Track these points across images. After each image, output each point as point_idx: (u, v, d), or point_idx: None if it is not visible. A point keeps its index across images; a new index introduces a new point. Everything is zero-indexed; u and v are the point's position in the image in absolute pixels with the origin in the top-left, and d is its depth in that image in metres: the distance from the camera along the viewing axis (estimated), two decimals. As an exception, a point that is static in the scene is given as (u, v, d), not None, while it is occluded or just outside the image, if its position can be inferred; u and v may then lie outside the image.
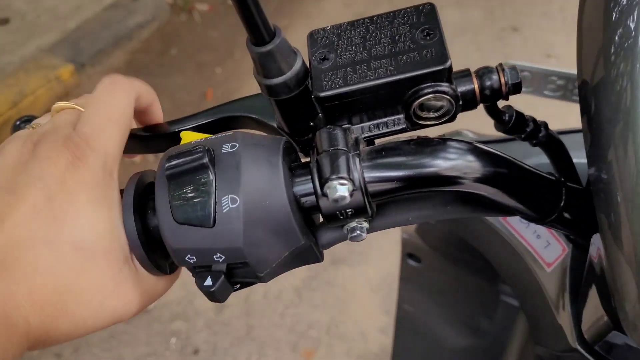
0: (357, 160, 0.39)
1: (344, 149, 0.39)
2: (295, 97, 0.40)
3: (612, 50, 0.39)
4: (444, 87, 0.39)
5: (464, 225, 0.70)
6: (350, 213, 0.40)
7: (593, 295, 0.48)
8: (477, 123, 0.63)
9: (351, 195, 0.38)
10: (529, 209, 0.44)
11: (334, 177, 0.38)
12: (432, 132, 0.43)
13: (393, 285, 2.02)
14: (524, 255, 0.59)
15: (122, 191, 0.42)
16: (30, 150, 0.40)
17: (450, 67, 0.39)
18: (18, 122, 0.49)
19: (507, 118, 0.46)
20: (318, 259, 0.44)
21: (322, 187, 0.38)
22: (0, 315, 0.35)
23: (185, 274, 0.45)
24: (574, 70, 0.73)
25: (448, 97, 0.40)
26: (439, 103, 0.40)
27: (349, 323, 1.97)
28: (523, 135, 0.47)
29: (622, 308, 0.38)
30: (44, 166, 0.39)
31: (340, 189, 0.38)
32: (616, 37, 0.39)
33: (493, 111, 0.45)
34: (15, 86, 2.57)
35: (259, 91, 0.43)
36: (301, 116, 0.42)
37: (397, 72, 0.39)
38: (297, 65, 0.40)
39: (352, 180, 0.38)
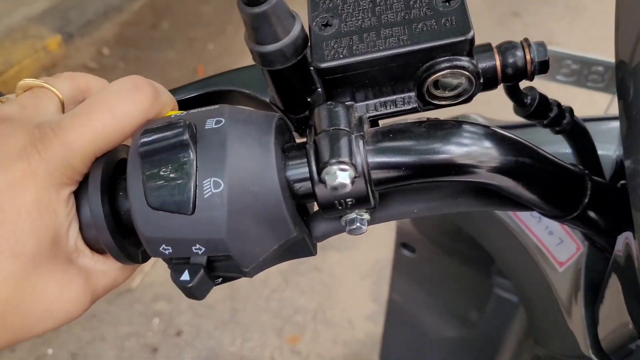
0: (361, 142, 0.34)
1: (346, 129, 0.34)
2: (291, 67, 0.35)
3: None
4: (464, 61, 0.34)
5: (466, 216, 0.66)
6: (350, 203, 0.34)
7: (614, 299, 0.43)
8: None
9: (352, 182, 0.33)
10: (551, 205, 0.39)
11: (333, 161, 0.32)
12: (439, 115, 0.38)
13: (382, 272, 1.98)
14: (533, 252, 0.55)
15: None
16: None
17: (473, 39, 0.33)
18: None
19: (529, 101, 0.41)
20: (311, 252, 0.39)
21: (319, 172, 0.33)
22: None
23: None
24: (590, 55, 0.68)
25: (468, 73, 0.34)
26: (457, 80, 0.35)
27: (336, 309, 1.93)
28: (545, 122, 0.42)
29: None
30: None
31: (341, 175, 0.32)
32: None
33: (514, 92, 0.40)
34: (0, 55, 2.49)
35: (252, 64, 0.37)
36: (297, 90, 0.37)
37: (411, 43, 0.34)
38: (296, 31, 0.34)
39: (354, 166, 0.33)
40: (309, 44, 0.36)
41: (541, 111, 0.41)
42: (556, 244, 0.53)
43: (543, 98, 0.41)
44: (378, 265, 2.00)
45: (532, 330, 0.69)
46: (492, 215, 0.59)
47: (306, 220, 0.39)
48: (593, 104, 1.33)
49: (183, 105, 0.42)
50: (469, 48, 0.34)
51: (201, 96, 0.43)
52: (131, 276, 0.41)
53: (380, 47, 0.34)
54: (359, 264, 2.02)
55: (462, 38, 0.33)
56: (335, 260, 2.05)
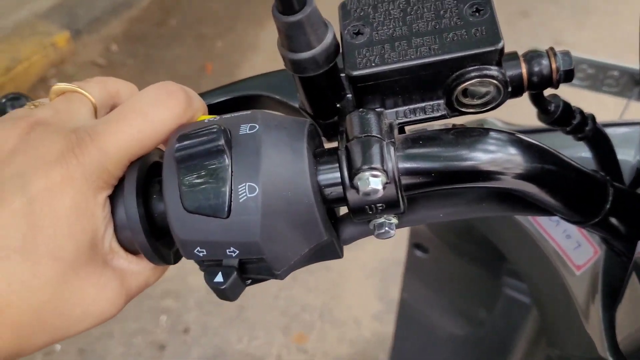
0: (392, 149, 0.34)
1: (378, 135, 0.34)
2: (322, 74, 0.36)
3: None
4: (493, 70, 0.35)
5: (484, 219, 0.66)
6: (380, 208, 0.35)
7: (634, 303, 0.44)
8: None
9: (384, 188, 0.34)
10: (573, 211, 0.40)
11: (366, 167, 0.33)
12: (459, 119, 0.39)
13: (388, 271, 1.99)
14: (551, 255, 0.55)
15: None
16: (24, 134, 0.35)
17: (502, 49, 0.34)
18: (3, 100, 0.44)
19: (553, 108, 0.42)
20: (338, 255, 0.39)
21: (351, 178, 0.34)
22: None
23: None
24: (606, 59, 0.69)
25: (496, 82, 0.35)
26: (485, 89, 0.36)
27: (343, 308, 1.94)
28: (568, 128, 0.42)
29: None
30: (32, 158, 0.34)
31: (373, 182, 0.33)
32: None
33: (539, 100, 0.41)
34: (8, 52, 2.50)
35: (271, 68, 0.38)
36: (327, 96, 0.38)
37: (442, 52, 0.34)
38: (328, 39, 0.35)
39: (385, 172, 0.33)
40: (341, 52, 0.36)
41: (565, 118, 0.42)
42: (574, 247, 0.54)
43: (567, 105, 0.42)
44: (384, 264, 2.01)
45: (546, 332, 0.69)
46: (510, 218, 0.59)
47: (334, 223, 0.40)
48: (599, 105, 1.33)
49: (212, 109, 0.42)
50: (498, 58, 0.34)
51: (230, 100, 0.43)
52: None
53: (412, 56, 0.35)
54: (365, 263, 2.03)
55: (492, 48, 0.34)
56: (342, 259, 2.05)
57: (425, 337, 1.04)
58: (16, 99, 0.45)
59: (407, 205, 0.39)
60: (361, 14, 0.37)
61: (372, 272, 2.01)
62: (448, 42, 0.35)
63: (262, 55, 2.77)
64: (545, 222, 0.56)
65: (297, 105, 0.41)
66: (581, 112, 0.43)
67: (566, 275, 0.54)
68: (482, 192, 0.41)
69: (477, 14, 0.35)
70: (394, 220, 0.37)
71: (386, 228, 0.37)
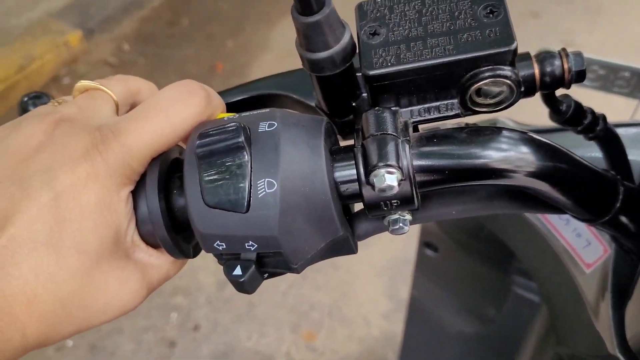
0: (407, 146, 0.35)
1: (393, 133, 0.35)
2: (339, 74, 0.37)
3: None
4: (507, 71, 0.36)
5: (495, 217, 0.67)
6: (395, 204, 0.36)
7: (643, 302, 0.44)
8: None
9: (399, 184, 0.35)
10: (583, 209, 0.41)
11: (382, 164, 0.34)
12: (469, 119, 0.40)
13: (397, 269, 2.00)
14: (561, 254, 0.56)
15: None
16: (49, 130, 0.36)
17: (516, 50, 0.35)
18: (25, 99, 0.45)
19: (564, 108, 0.42)
20: (353, 250, 0.40)
21: (367, 174, 0.35)
22: None
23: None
24: (617, 60, 0.69)
25: (510, 82, 0.36)
26: (498, 89, 0.37)
27: (352, 306, 1.95)
28: (579, 128, 0.43)
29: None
30: (58, 154, 0.35)
31: (388, 178, 0.34)
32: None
33: (551, 100, 0.42)
34: (21, 50, 2.52)
35: (281, 67, 0.39)
36: (343, 95, 0.39)
37: (457, 52, 0.35)
38: (345, 40, 0.36)
39: (400, 169, 0.34)
40: (357, 52, 0.37)
41: (576, 118, 0.42)
42: (583, 246, 0.55)
43: (578, 105, 0.42)
44: (393, 263, 2.02)
45: (555, 330, 0.70)
46: (520, 217, 0.60)
47: (349, 219, 0.40)
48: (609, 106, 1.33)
49: (230, 107, 0.43)
50: (511, 58, 0.35)
51: (248, 99, 0.44)
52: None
53: (427, 56, 0.36)
54: (375, 261, 2.04)
55: (506, 49, 0.34)
56: (351, 258, 2.05)
57: (434, 334, 1.05)
58: (38, 98, 0.46)
59: (421, 202, 0.40)
60: (377, 14, 0.38)
61: (382, 270, 2.02)
62: (462, 42, 0.35)
63: (272, 54, 2.78)
64: (555, 221, 0.56)
65: (313, 104, 0.42)
66: (592, 112, 0.43)
67: (576, 274, 0.55)
68: (493, 190, 0.42)
69: (491, 15, 0.36)
70: (408, 217, 0.38)
71: (400, 224, 0.38)
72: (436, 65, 0.36)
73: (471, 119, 0.42)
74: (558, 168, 0.38)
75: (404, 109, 0.38)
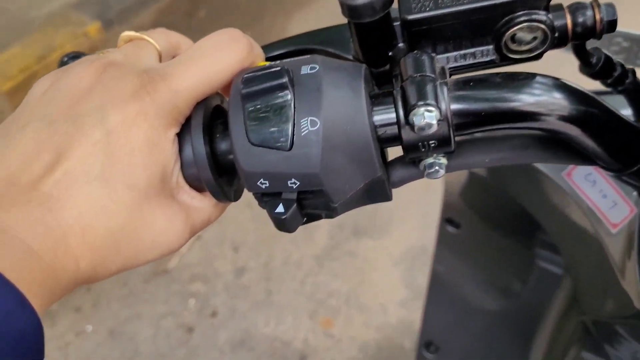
0: (445, 88, 0.36)
1: (432, 75, 0.36)
2: (377, 21, 0.38)
3: None
4: (541, 15, 0.37)
5: (519, 184, 0.68)
6: (433, 145, 0.37)
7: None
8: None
9: (437, 124, 0.36)
10: (612, 158, 0.42)
11: (421, 103, 0.35)
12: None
13: (415, 259, 2.00)
14: (587, 215, 0.57)
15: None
16: (99, 74, 0.38)
17: None
18: (65, 59, 0.47)
19: (595, 60, 0.43)
20: (388, 197, 0.41)
21: (407, 114, 0.36)
22: (50, 256, 0.33)
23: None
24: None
25: (544, 27, 0.37)
26: (532, 35, 0.38)
27: (369, 294, 1.96)
28: (609, 81, 0.44)
29: None
30: (108, 95, 0.36)
31: (428, 116, 0.35)
32: None
33: (581, 51, 0.42)
34: (42, 41, 2.55)
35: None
36: (381, 44, 0.40)
37: None
38: None
39: (439, 109, 0.35)
40: None
41: (606, 70, 0.43)
42: (610, 207, 0.56)
43: (608, 58, 0.43)
44: (411, 252, 2.03)
45: (579, 300, 0.71)
46: (547, 181, 0.61)
47: (386, 165, 0.42)
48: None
49: (270, 61, 0.45)
50: (546, 3, 0.36)
51: (287, 54, 0.46)
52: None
53: (464, 1, 0.37)
54: (392, 250, 2.05)
55: None
56: (368, 247, 2.07)
57: (457, 310, 1.05)
58: (77, 57, 0.47)
59: (457, 149, 0.41)
60: None
61: (399, 259, 2.03)
62: None
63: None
64: (581, 182, 0.57)
65: (350, 57, 0.43)
66: (622, 65, 0.44)
67: (602, 234, 0.56)
68: (526, 139, 0.42)
69: None
70: (444, 161, 0.39)
71: (436, 167, 0.39)
72: (472, 9, 0.37)
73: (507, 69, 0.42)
74: (589, 113, 0.39)
75: (441, 56, 0.39)
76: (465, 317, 1.03)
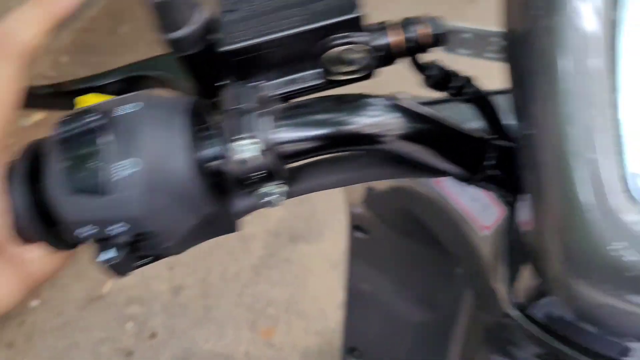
0: (266, 118, 0.36)
1: (252, 106, 0.36)
2: (201, 52, 0.37)
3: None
4: (358, 37, 0.37)
5: (408, 196, 0.68)
6: (260, 177, 0.37)
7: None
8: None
9: (260, 157, 0.35)
10: (455, 167, 0.42)
11: (239, 137, 0.35)
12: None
13: (351, 260, 2.01)
14: (458, 219, 0.58)
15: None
16: None
17: (360, 16, 0.36)
18: None
19: (431, 72, 0.43)
20: (232, 229, 0.41)
21: (228, 148, 0.35)
22: None
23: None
24: (485, 27, 0.71)
25: (362, 48, 0.37)
26: (355, 55, 0.38)
27: (308, 300, 1.96)
28: (450, 91, 0.44)
29: (545, 269, 0.36)
30: None
31: (247, 150, 0.35)
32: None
33: (417, 65, 0.43)
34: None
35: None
36: (209, 74, 0.39)
37: (307, 22, 0.36)
38: (203, 16, 0.37)
39: (260, 140, 0.35)
40: (218, 28, 0.38)
41: (444, 81, 0.44)
42: (481, 210, 0.56)
43: (444, 69, 0.44)
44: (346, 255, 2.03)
45: (478, 301, 0.72)
46: (424, 192, 0.61)
47: (225, 197, 0.41)
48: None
49: (105, 89, 0.44)
50: (357, 24, 0.36)
51: (121, 81, 0.45)
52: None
53: (282, 28, 0.37)
54: (329, 253, 2.05)
55: (351, 16, 0.36)
56: (305, 252, 2.07)
57: (377, 315, 1.05)
58: None
59: (296, 174, 0.40)
60: None
61: (336, 262, 2.03)
62: (311, 12, 0.36)
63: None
64: (451, 188, 0.58)
65: (183, 86, 0.42)
66: (456, 74, 0.44)
67: (474, 237, 0.57)
68: (373, 157, 0.43)
69: None
70: (278, 189, 0.38)
71: (271, 197, 0.39)
72: (289, 36, 0.36)
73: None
74: (420, 130, 0.39)
75: (269, 83, 0.39)
76: (386, 322, 1.04)
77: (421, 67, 0.43)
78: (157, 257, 0.39)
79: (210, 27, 0.37)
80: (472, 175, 0.43)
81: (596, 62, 0.33)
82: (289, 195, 0.40)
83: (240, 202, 0.41)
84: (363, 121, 0.37)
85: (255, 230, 2.13)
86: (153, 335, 1.93)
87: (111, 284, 2.04)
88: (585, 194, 0.33)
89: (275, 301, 1.97)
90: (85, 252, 0.41)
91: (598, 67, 0.33)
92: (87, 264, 0.42)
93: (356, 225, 0.95)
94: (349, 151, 0.38)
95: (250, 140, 0.35)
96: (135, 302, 2.01)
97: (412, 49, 0.39)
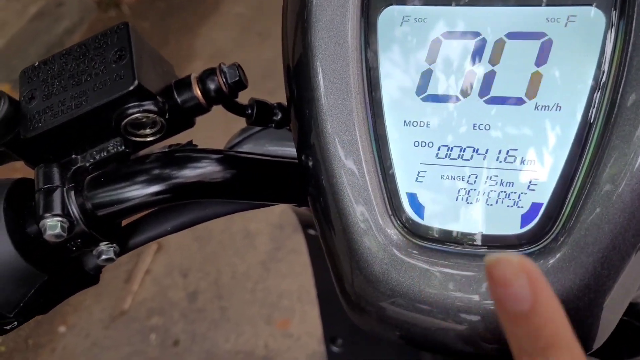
0: (73, 193, 0.40)
1: (58, 184, 0.39)
2: (10, 141, 0.41)
3: (304, 35, 0.40)
4: (146, 105, 0.40)
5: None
6: (80, 243, 0.40)
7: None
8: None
9: (72, 228, 0.39)
10: (285, 195, 0.45)
11: (47, 214, 0.38)
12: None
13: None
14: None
15: None
16: None
17: (138, 87, 0.39)
18: None
19: (249, 111, 0.46)
20: (94, 281, 0.45)
21: (40, 225, 0.39)
22: None
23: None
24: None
25: (152, 114, 0.40)
26: (147, 119, 0.41)
27: (318, 287, 2.00)
28: (273, 125, 0.47)
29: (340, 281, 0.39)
30: None
31: (55, 226, 0.38)
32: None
33: (233, 108, 0.46)
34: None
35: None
36: (30, 156, 0.43)
37: (94, 101, 0.39)
38: (3, 110, 0.40)
39: (67, 215, 0.39)
40: (20, 117, 0.41)
41: (265, 116, 0.46)
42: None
43: (262, 104, 0.46)
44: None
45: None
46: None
47: (78, 257, 0.45)
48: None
49: None
50: (139, 95, 0.39)
51: None
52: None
53: (75, 110, 0.40)
54: (333, 238, 2.08)
55: (126, 90, 0.39)
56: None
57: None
58: None
59: (134, 227, 0.44)
60: (34, 79, 0.42)
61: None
62: (98, 91, 0.39)
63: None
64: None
65: None
66: (281, 106, 0.47)
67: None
68: (202, 201, 0.46)
69: (119, 60, 0.40)
70: (105, 247, 0.42)
71: (108, 255, 0.42)
72: (82, 115, 0.40)
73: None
74: (232, 173, 0.42)
75: (80, 156, 0.42)
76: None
77: (238, 109, 0.45)
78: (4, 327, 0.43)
79: (13, 117, 0.40)
80: (301, 202, 0.46)
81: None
82: (130, 247, 0.44)
83: (91, 259, 0.44)
84: (165, 175, 0.40)
85: (259, 225, 2.18)
86: (176, 343, 2.00)
87: (131, 299, 2.11)
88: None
89: (287, 292, 2.01)
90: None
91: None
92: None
93: (307, 224, 0.98)
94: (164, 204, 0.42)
95: (56, 218, 0.38)
96: (156, 313, 2.08)
97: (219, 99, 0.42)
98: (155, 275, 2.17)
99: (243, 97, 0.45)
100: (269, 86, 2.40)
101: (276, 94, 0.47)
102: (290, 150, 0.55)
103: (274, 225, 2.18)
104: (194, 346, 1.98)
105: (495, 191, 0.36)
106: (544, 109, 0.35)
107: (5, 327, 0.43)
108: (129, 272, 2.17)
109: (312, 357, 1.89)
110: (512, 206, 0.36)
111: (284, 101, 0.46)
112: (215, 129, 1.21)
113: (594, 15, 0.34)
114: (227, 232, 2.15)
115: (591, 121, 0.34)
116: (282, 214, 2.19)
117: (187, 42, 2.92)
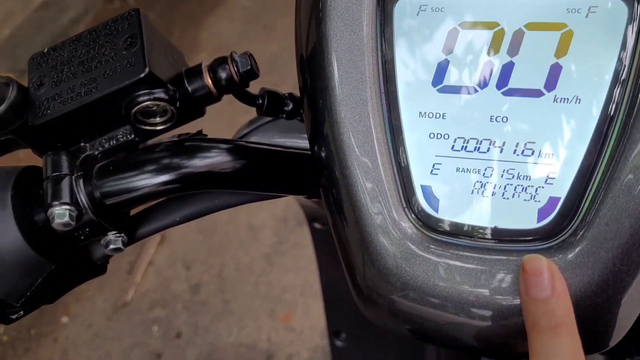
0: (81, 181, 0.39)
1: (66, 172, 0.39)
2: (19, 128, 0.40)
3: (318, 25, 0.39)
4: (157, 93, 0.39)
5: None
6: (87, 232, 0.40)
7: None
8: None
9: (80, 216, 0.38)
10: (295, 187, 0.45)
11: (56, 203, 0.38)
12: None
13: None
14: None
15: None
16: None
17: (149, 75, 0.38)
18: None
19: (260, 101, 0.46)
20: (99, 271, 0.44)
21: (49, 214, 0.39)
22: None
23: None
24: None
25: (162, 102, 0.39)
26: (157, 108, 0.40)
27: (321, 281, 1.99)
28: (284, 115, 0.47)
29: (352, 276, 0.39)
30: None
31: (64, 215, 0.38)
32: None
33: (244, 98, 0.45)
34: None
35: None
36: (38, 143, 0.42)
37: (104, 88, 0.39)
38: (12, 97, 0.39)
39: (75, 203, 0.38)
40: (29, 104, 0.41)
41: (276, 106, 0.46)
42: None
43: (273, 95, 0.46)
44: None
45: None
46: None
47: (85, 246, 0.44)
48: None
49: None
50: (149, 82, 0.38)
51: None
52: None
53: (85, 97, 0.39)
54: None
55: (137, 77, 0.38)
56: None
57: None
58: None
59: (142, 217, 0.43)
60: (43, 65, 0.42)
61: (345, 240, 2.05)
62: (108, 78, 0.39)
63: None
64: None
65: None
66: (292, 96, 0.46)
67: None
68: (213, 192, 0.45)
69: (130, 46, 0.39)
70: (113, 237, 0.42)
71: (116, 245, 0.42)
72: (91, 102, 0.39)
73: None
74: (244, 163, 0.41)
75: (88, 144, 0.42)
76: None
77: (249, 98, 0.45)
78: (10, 316, 0.42)
79: (22, 104, 0.40)
80: (312, 194, 0.45)
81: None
82: (136, 239, 0.44)
83: (99, 248, 0.44)
84: (176, 165, 0.40)
85: (263, 219, 2.17)
86: (178, 335, 2.00)
87: (133, 291, 2.11)
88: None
89: (290, 286, 2.01)
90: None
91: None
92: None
93: (313, 218, 0.98)
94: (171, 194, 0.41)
95: (65, 206, 0.38)
96: (158, 305, 2.08)
97: (230, 88, 0.41)
98: (158, 266, 2.16)
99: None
100: (274, 79, 2.39)
101: (281, 87, 0.46)
102: (300, 142, 0.54)
103: (278, 219, 2.17)
104: (196, 338, 1.98)
105: (511, 185, 0.36)
106: (563, 102, 0.34)
107: (12, 316, 0.43)
108: (132, 264, 2.17)
109: (314, 351, 1.89)
110: (528, 200, 0.35)
111: (289, 94, 0.46)
112: (219, 122, 1.20)
113: (616, 7, 0.34)
114: (231, 225, 2.15)
115: (612, 114, 0.33)
116: (286, 207, 2.19)
117: (192, 34, 2.90)
